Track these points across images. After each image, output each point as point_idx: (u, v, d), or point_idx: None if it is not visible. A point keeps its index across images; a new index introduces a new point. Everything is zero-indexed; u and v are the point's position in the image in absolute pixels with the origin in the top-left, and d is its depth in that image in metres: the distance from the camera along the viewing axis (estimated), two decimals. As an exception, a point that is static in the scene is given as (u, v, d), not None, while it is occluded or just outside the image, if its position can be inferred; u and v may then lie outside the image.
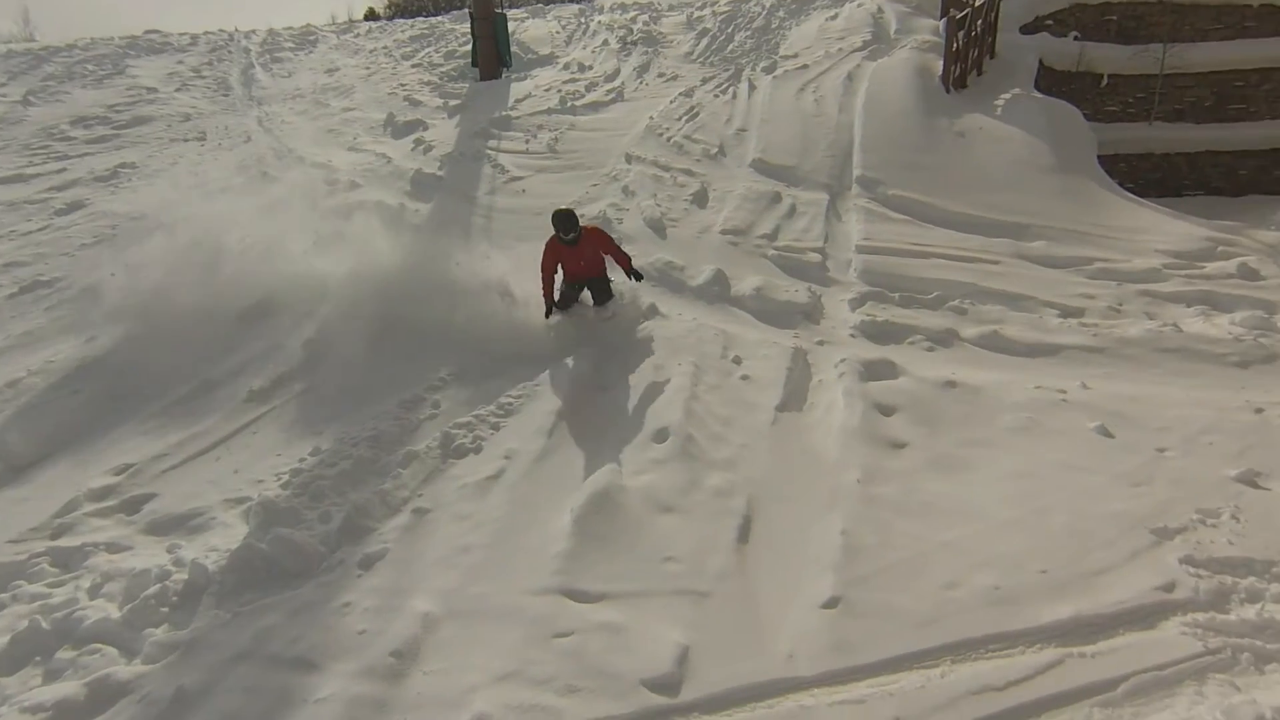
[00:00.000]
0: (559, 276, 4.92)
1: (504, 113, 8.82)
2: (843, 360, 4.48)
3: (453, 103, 9.48)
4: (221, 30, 13.48)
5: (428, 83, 10.46)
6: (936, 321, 5.18)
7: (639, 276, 4.99)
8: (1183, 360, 4.66)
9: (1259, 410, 4.02)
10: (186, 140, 8.99)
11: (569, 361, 4.44)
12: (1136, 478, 3.41)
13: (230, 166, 7.98)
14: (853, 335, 4.99)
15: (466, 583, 2.78)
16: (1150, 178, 12.79)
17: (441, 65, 11.12)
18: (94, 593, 2.90)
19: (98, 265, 5.55)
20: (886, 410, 4.01)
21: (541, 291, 4.79)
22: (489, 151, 7.93)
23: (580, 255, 4.87)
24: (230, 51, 12.43)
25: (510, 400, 4.08)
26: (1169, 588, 2.72)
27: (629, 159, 7.76)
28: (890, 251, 6.23)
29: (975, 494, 3.34)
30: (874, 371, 4.37)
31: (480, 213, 6.88)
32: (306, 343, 4.76)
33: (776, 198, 7.16)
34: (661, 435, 3.70)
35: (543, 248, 4.85)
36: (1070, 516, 3.13)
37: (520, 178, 7.45)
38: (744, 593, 2.79)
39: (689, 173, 7.55)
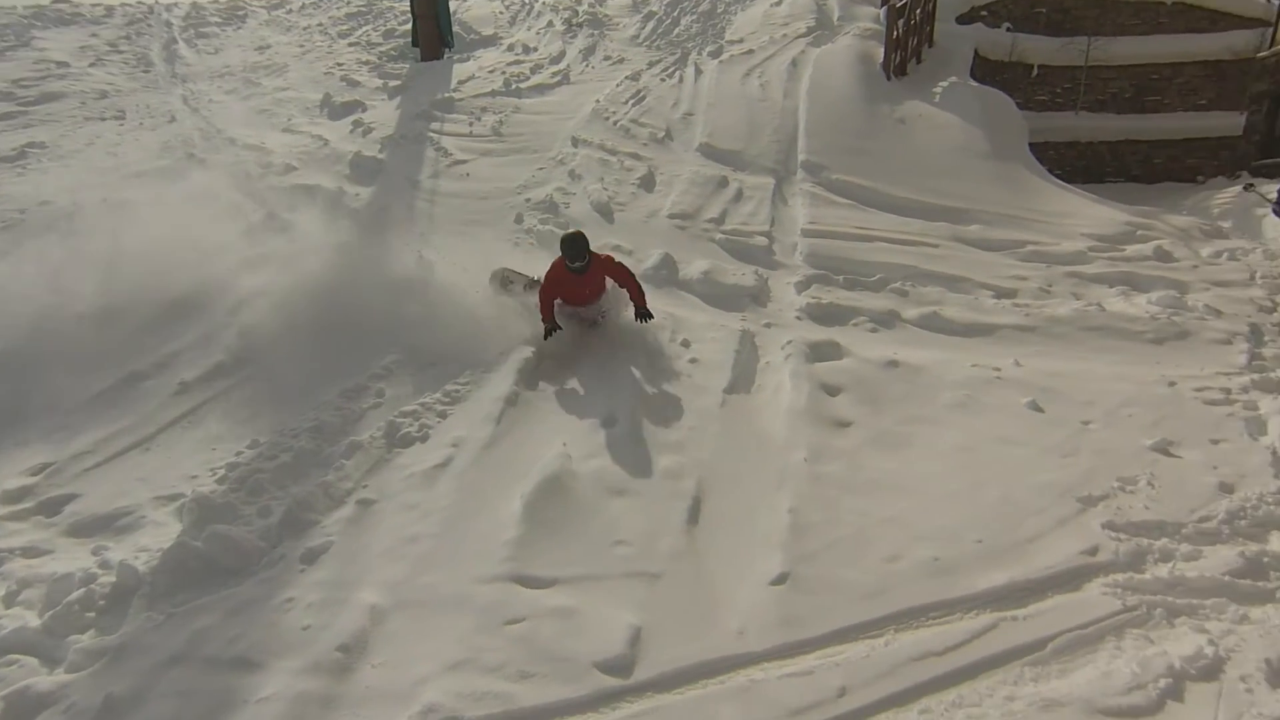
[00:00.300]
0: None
1: (446, 94, 8.60)
2: (789, 342, 4.56)
3: (393, 83, 9.19)
4: (140, 2, 12.70)
5: (366, 62, 10.10)
6: (879, 303, 5.31)
7: (649, 316, 4.44)
8: (1105, 338, 4.90)
9: (1172, 384, 4.26)
10: (103, 119, 8.46)
11: (517, 348, 4.38)
12: (1064, 449, 3.58)
13: (153, 148, 7.56)
14: (799, 317, 5.07)
15: (415, 573, 2.73)
16: (1076, 165, 13.36)
17: (380, 44, 10.75)
18: (9, 601, 2.74)
19: (4, 253, 5.20)
20: (832, 390, 4.10)
21: (540, 316, 4.36)
22: (431, 134, 7.72)
23: (586, 284, 4.41)
24: (150, 25, 11.72)
25: (457, 388, 4.01)
26: (1092, 551, 2.87)
27: (575, 142, 7.67)
28: (835, 235, 6.35)
29: (916, 469, 3.45)
30: (820, 353, 4.46)
31: (424, 197, 6.71)
32: (242, 332, 4.57)
33: (723, 182, 7.20)
34: (611, 420, 3.70)
35: (546, 274, 4.42)
36: (1004, 488, 3.26)
37: (464, 161, 7.29)
38: (695, 572, 2.82)
39: (636, 156, 7.52)
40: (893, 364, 4.36)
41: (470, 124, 7.97)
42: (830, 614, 2.60)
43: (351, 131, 7.75)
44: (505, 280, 4.93)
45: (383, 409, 3.84)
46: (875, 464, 3.50)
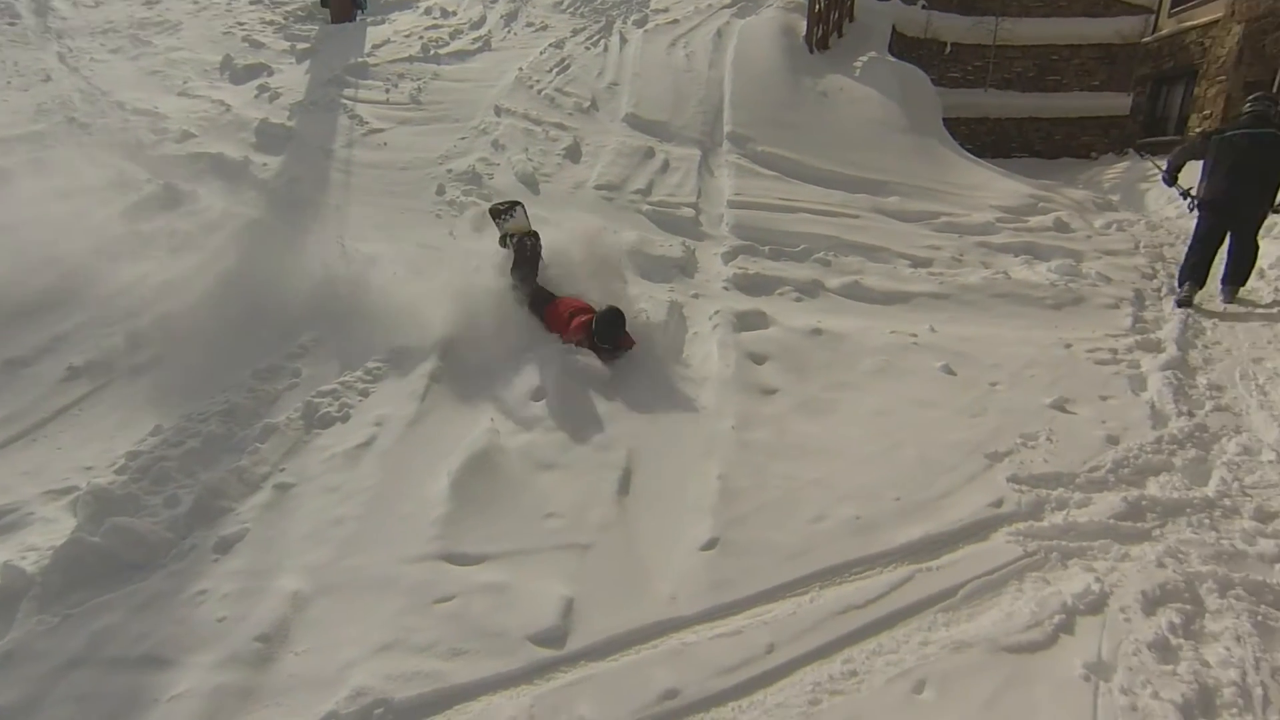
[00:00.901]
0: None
1: (360, 59, 8.19)
2: (717, 312, 4.61)
3: (300, 46, 8.67)
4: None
5: (270, 22, 9.48)
6: (803, 273, 5.43)
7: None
8: (1011, 304, 5.18)
9: (1068, 346, 4.56)
10: (-38, 77, 7.68)
11: (440, 323, 4.26)
12: (974, 409, 3.78)
13: (25, 109, 6.91)
14: (726, 288, 5.14)
15: (339, 556, 2.64)
16: (985, 140, 13.96)
17: (285, 3, 10.11)
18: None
19: None
20: (759, 359, 4.18)
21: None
22: (345, 101, 7.35)
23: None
24: (14, -28, 10.64)
25: (379, 365, 3.88)
26: (998, 504, 3.06)
27: (498, 111, 7.47)
28: (760, 206, 6.43)
29: (839, 433, 3.58)
30: (746, 322, 4.54)
31: (338, 167, 6.40)
32: (139, 313, 4.27)
33: (650, 153, 7.16)
34: (539, 393, 3.66)
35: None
36: (920, 448, 3.42)
37: (381, 130, 6.98)
38: (626, 542, 2.84)
39: (561, 126, 7.38)
40: (816, 332, 4.48)
41: (386, 91, 7.63)
42: (758, 575, 2.67)
43: (256, 97, 7.29)
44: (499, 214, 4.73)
45: (300, 389, 3.67)
46: (801, 429, 3.60)
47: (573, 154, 7.02)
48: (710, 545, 2.81)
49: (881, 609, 2.52)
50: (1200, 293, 5.48)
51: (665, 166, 7.06)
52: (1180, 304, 5.37)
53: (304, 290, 4.48)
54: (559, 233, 4.87)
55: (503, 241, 4.69)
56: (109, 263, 4.57)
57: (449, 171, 6.38)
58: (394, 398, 3.60)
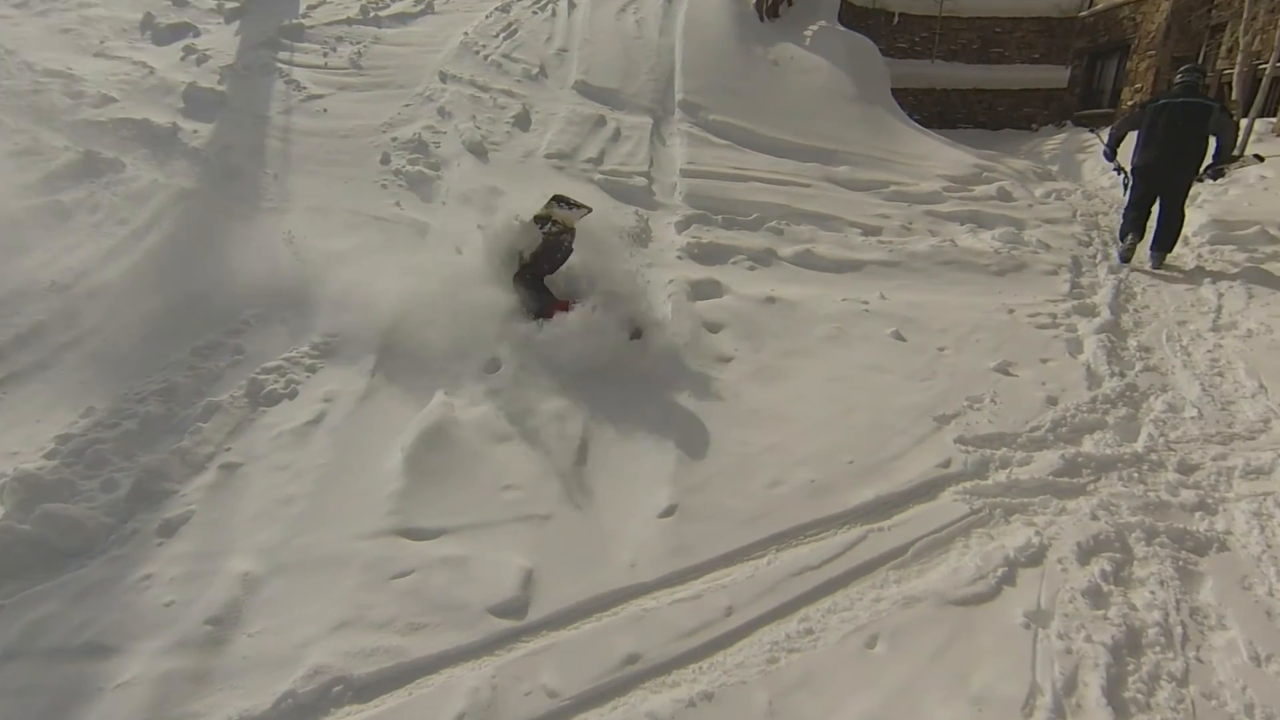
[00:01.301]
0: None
1: (294, 21, 7.78)
2: (671, 281, 4.61)
3: (229, 5, 8.17)
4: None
5: (193, -21, 8.91)
6: (756, 242, 5.46)
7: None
8: (957, 271, 5.33)
9: (1011, 311, 4.72)
10: None
11: (389, 294, 4.15)
12: (923, 374, 3.89)
13: (-80, 71, 6.37)
14: (680, 257, 5.14)
15: (291, 535, 2.58)
16: (932, 110, 14.20)
17: (209, -41, 9.51)
18: None
19: None
20: (714, 328, 4.21)
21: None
22: (280, 65, 6.99)
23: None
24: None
25: (326, 340, 3.76)
26: (946, 464, 3.17)
27: (444, 78, 7.22)
28: (713, 175, 6.43)
29: (794, 399, 3.64)
30: (700, 291, 4.55)
31: (275, 135, 6.10)
32: (65, 288, 4.03)
33: (601, 121, 7.06)
34: (493, 365, 3.61)
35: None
36: (872, 412, 3.51)
37: (320, 96, 6.68)
38: (585, 512, 2.85)
39: (509, 94, 7.20)
40: (770, 300, 4.53)
41: (324, 55, 7.29)
42: (717, 540, 2.71)
43: (183, 59, 6.87)
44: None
45: (243, 366, 3.53)
46: (756, 396, 3.65)
47: (522, 122, 6.87)
48: (669, 512, 2.84)
49: (836, 569, 2.60)
50: (1140, 245, 5.86)
51: (617, 135, 6.97)
52: (1123, 256, 5.83)
53: (244, 264, 4.30)
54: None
55: (534, 225, 3.82)
56: (26, 235, 4.29)
57: (394, 140, 6.16)
58: (343, 373, 3.50)
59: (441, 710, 2.05)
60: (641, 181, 6.25)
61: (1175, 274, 5.63)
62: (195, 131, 5.78)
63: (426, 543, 2.61)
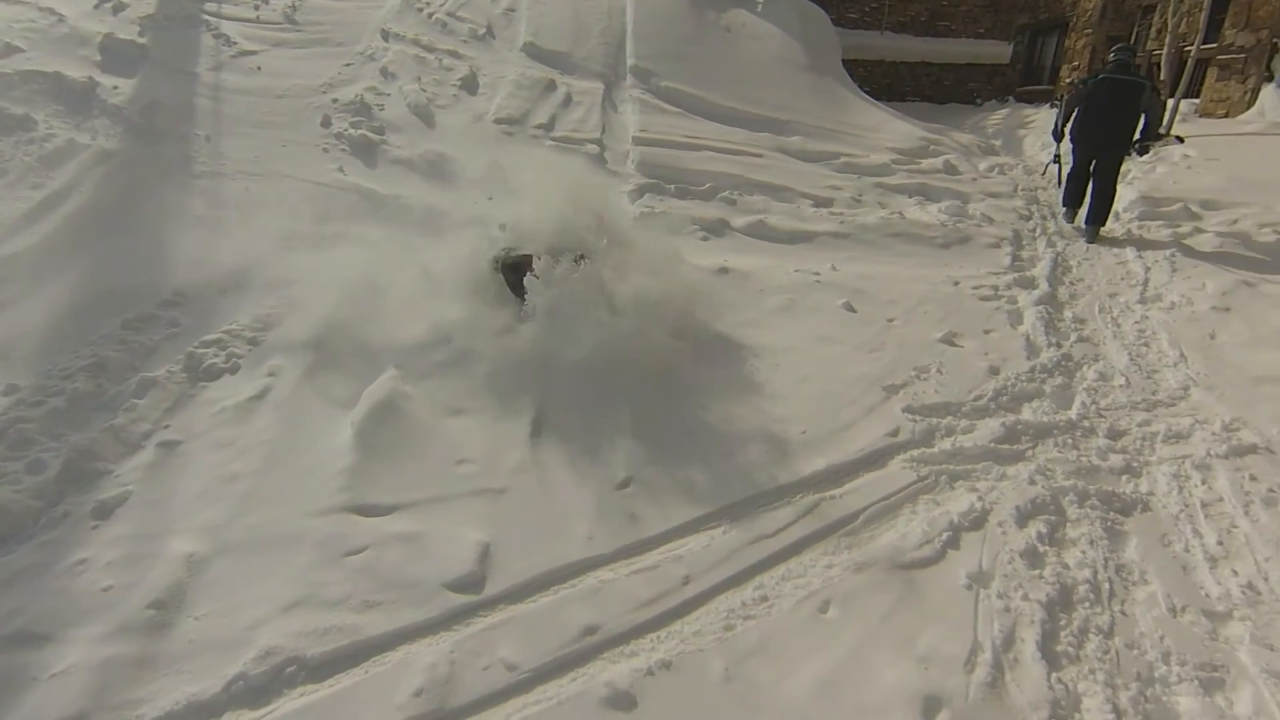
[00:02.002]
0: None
1: (221, -31, 7.30)
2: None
3: (147, -51, 7.62)
4: None
5: (107, -80, 8.25)
6: (710, 212, 5.46)
7: None
8: (906, 243, 5.44)
9: (956, 283, 4.85)
10: None
11: (335, 264, 4.00)
12: (872, 345, 3.98)
13: None
14: (632, 227, 5.08)
15: (237, 515, 2.49)
16: (881, 83, 14.33)
17: (124, -102, 8.80)
18: None
19: None
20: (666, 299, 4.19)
21: None
22: (207, 17, 6.57)
23: None
24: None
25: (268, 312, 3.61)
26: (894, 433, 3.26)
27: (386, 36, 6.93)
28: (665, 144, 6.37)
29: (747, 371, 3.67)
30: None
31: (205, 93, 5.75)
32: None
33: (551, 85, 6.89)
34: (444, 338, 3.53)
35: None
36: (823, 383, 3.58)
37: (253, 52, 6.31)
38: (541, 485, 2.83)
39: (455, 55, 6.95)
40: (724, 271, 4.55)
41: (256, 7, 6.88)
42: (673, 511, 2.74)
43: (97, 7, 6.37)
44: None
45: (179, 339, 3.37)
46: (709, 368, 3.67)
47: (469, 85, 6.65)
48: (625, 484, 2.85)
49: (790, 536, 2.67)
50: (1081, 212, 6.25)
51: (568, 100, 6.83)
52: (1068, 220, 6.31)
53: (177, 231, 4.08)
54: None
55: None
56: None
57: (334, 101, 5.89)
58: (287, 345, 3.37)
59: (399, 687, 2.03)
60: (593, 149, 6.15)
61: (1107, 248, 5.87)
62: (115, 87, 5.40)
63: (379, 519, 2.56)
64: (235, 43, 6.33)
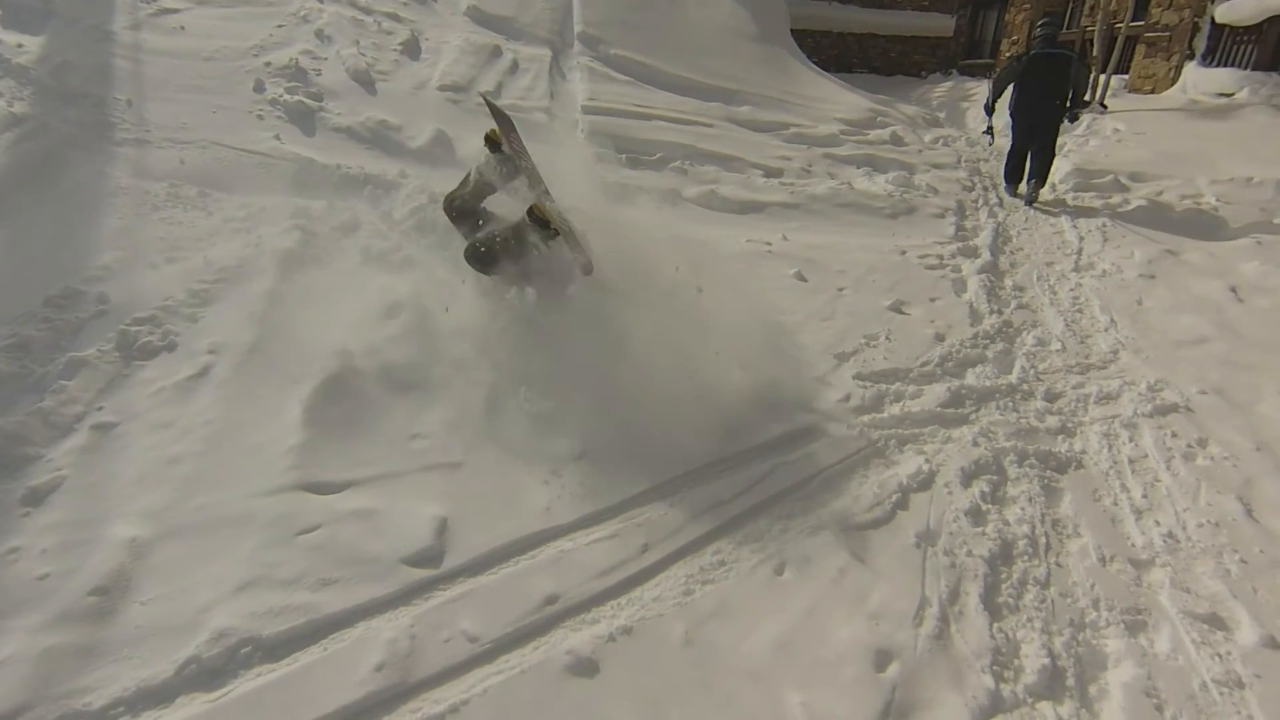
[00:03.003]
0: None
1: (135, -82, 6.81)
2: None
3: (51, -106, 7.04)
4: None
5: None
6: (661, 182, 5.44)
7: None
8: (855, 213, 5.53)
9: (903, 252, 4.97)
10: None
11: (273, 233, 3.85)
12: (824, 313, 4.06)
13: None
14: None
15: (181, 497, 2.40)
16: (829, 54, 14.40)
17: None
18: None
19: None
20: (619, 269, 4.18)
21: None
22: (120, -30, 6.13)
23: None
24: None
25: (205, 286, 3.44)
26: (846, 399, 3.35)
27: (320, -4, 6.59)
28: (615, 113, 6.29)
29: (703, 341, 3.69)
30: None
31: (123, 54, 5.38)
32: None
33: (497, 52, 6.70)
34: (394, 310, 3.44)
35: None
36: (776, 351, 3.64)
37: (175, 10, 5.92)
38: (497, 458, 2.81)
39: (395, 18, 6.68)
40: (676, 240, 4.53)
41: (176, -39, 6.44)
42: (630, 480, 2.76)
43: (-4, -43, 5.88)
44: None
45: (110, 317, 3.18)
46: (664, 337, 3.68)
47: (411, 49, 6.41)
48: (582, 455, 2.85)
49: (747, 501, 2.72)
50: (1020, 186, 6.56)
51: (514, 67, 6.66)
52: (1008, 193, 6.60)
53: (100, 202, 3.84)
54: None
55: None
56: None
57: (267, 65, 5.59)
58: (228, 321, 3.23)
59: (359, 663, 2.01)
60: (542, 118, 6.03)
61: (1045, 218, 6.09)
62: (20, 46, 5.00)
63: (333, 496, 2.51)
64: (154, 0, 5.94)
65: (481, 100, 5.97)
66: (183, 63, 5.39)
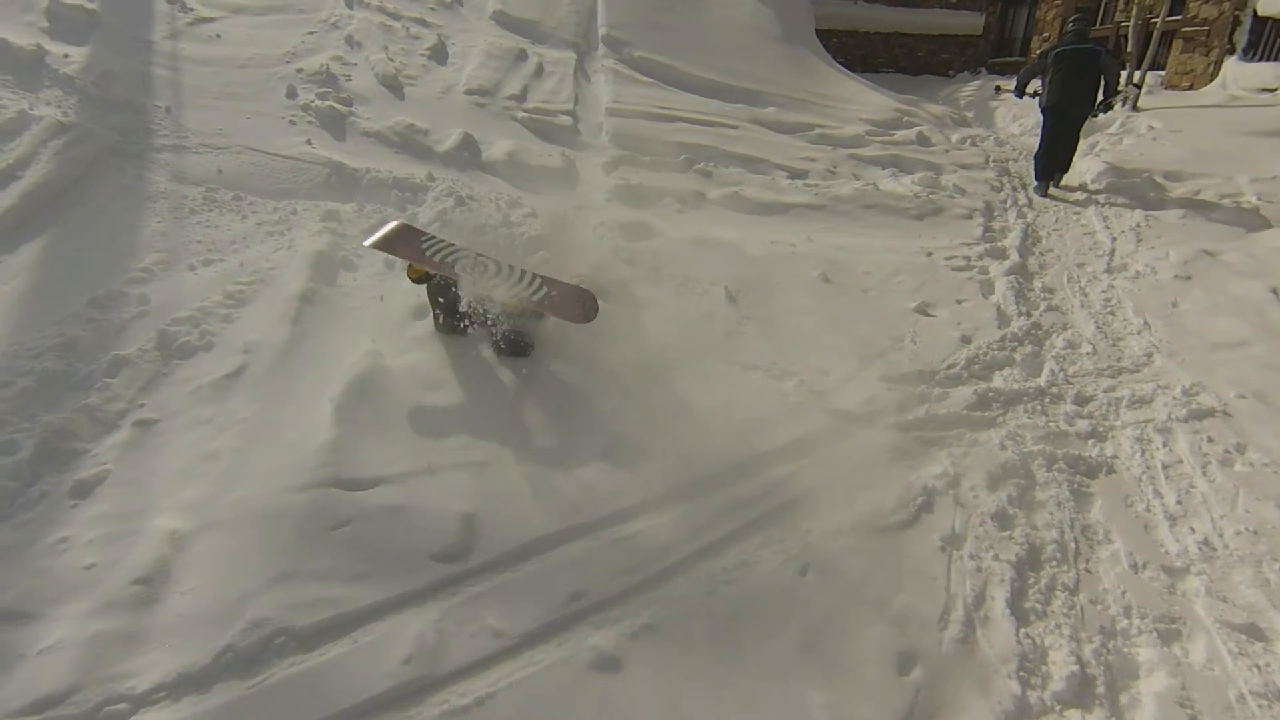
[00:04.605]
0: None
1: (174, -69, 7.00)
2: (600, 224, 4.56)
3: (95, -90, 7.27)
4: None
5: (51, -123, 7.84)
6: (685, 184, 5.45)
7: None
8: (880, 214, 5.49)
9: (929, 254, 4.92)
10: None
11: (305, 235, 3.94)
12: (848, 315, 4.05)
13: None
14: (608, 199, 5.08)
15: (219, 491, 2.48)
16: (855, 54, 14.29)
17: None
18: None
19: None
20: (645, 270, 4.20)
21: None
22: (161, -18, 6.32)
23: None
24: None
25: (240, 288, 3.55)
26: (870, 401, 3.33)
27: (350, 3, 6.75)
28: (639, 115, 6.32)
29: (727, 342, 3.71)
30: (631, 233, 4.53)
31: (162, 63, 5.55)
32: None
33: (522, 55, 6.78)
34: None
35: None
36: (801, 353, 3.63)
37: (211, 19, 6.10)
38: (523, 457, 2.84)
39: (423, 23, 6.79)
40: (700, 243, 4.56)
41: (213, -29, 6.62)
42: (655, 481, 2.77)
43: (42, -30, 6.09)
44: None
45: (150, 317, 3.29)
46: (689, 338, 3.70)
47: (438, 54, 6.52)
48: (607, 454, 2.88)
49: (769, 503, 2.73)
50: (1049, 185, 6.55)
51: (539, 70, 6.73)
52: (1041, 193, 6.52)
53: (141, 205, 3.97)
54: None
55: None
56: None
57: (299, 71, 5.73)
58: (263, 322, 3.32)
59: (388, 655, 2.06)
60: (567, 121, 6.08)
61: (1075, 218, 5.98)
62: (66, 56, 5.19)
63: (364, 493, 2.57)
64: (191, 9, 6.12)
65: (508, 106, 6.04)
66: (219, 70, 5.54)
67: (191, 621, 2.06)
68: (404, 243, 3.13)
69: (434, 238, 3.11)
